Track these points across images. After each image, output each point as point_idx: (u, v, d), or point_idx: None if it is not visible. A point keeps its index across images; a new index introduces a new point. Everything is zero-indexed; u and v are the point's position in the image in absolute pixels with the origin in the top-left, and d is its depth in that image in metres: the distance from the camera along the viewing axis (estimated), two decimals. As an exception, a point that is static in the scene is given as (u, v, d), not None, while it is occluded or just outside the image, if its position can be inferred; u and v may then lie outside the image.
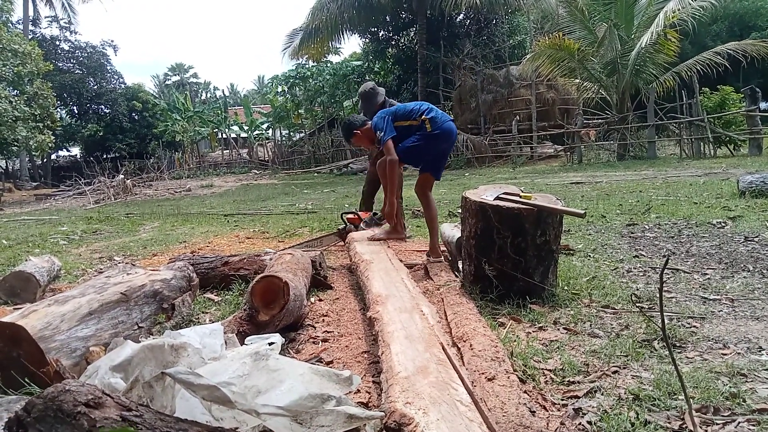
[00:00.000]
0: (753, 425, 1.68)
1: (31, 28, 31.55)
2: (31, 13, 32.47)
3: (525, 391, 1.89)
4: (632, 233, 5.05)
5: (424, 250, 4.69)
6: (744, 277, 3.38)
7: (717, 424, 1.71)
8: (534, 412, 1.72)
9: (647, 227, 5.27)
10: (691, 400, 1.80)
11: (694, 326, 2.57)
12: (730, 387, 1.91)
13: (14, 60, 18.48)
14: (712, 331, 2.49)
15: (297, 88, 29.58)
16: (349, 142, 4.49)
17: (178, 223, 8.61)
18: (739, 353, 2.24)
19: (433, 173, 4.18)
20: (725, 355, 2.23)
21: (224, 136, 35.42)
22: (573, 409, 1.84)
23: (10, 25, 25.62)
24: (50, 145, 20.59)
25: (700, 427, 1.68)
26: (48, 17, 33.59)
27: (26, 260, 4.24)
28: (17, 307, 3.03)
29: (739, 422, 1.70)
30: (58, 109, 28.07)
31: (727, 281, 3.31)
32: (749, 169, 9.61)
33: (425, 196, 4.21)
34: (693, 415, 1.58)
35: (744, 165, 11.12)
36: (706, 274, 3.51)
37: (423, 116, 3.98)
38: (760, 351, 2.25)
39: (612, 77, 16.67)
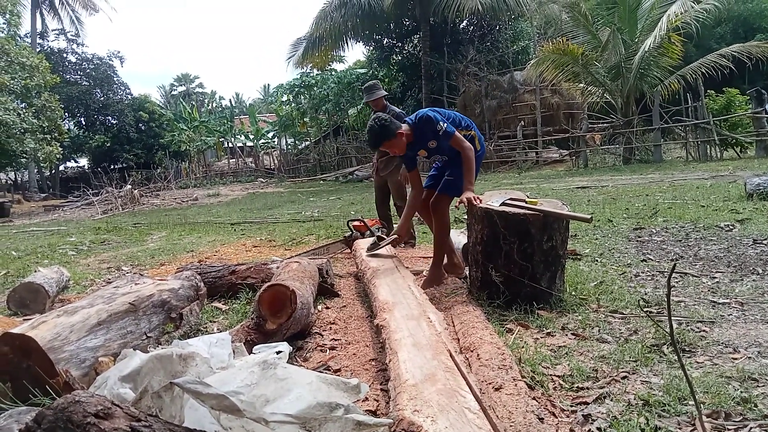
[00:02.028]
0: (765, 430, 1.67)
1: (39, 41, 31.92)
2: (39, 26, 32.88)
3: (533, 398, 1.89)
4: (639, 237, 5.03)
5: (430, 257, 4.69)
6: (753, 280, 3.35)
7: (728, 429, 1.69)
8: (542, 419, 1.71)
9: (654, 231, 5.24)
10: (702, 405, 1.79)
11: (704, 330, 2.55)
12: (741, 392, 1.89)
13: (22, 73, 18.71)
14: (721, 336, 2.47)
15: (302, 97, 29.75)
16: (378, 146, 3.57)
17: (186, 232, 8.65)
18: (749, 357, 2.22)
19: (456, 193, 3.65)
20: (736, 359, 2.21)
21: (230, 145, 35.62)
22: (582, 415, 1.83)
23: (18, 38, 25.93)
24: (58, 156, 20.80)
25: (711, 433, 1.67)
26: (55, 30, 34.02)
27: (35, 271, 4.28)
28: (27, 318, 3.06)
29: (750, 428, 1.69)
30: (66, 121, 28.43)
31: (736, 284, 3.28)
32: (756, 171, 9.55)
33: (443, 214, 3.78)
34: (703, 420, 1.57)
35: (751, 167, 11.05)
36: (715, 277, 3.49)
37: (470, 131, 3.71)
38: (770, 355, 2.23)
39: (616, 81, 16.65)
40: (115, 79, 33.69)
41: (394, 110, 5.54)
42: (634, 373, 2.13)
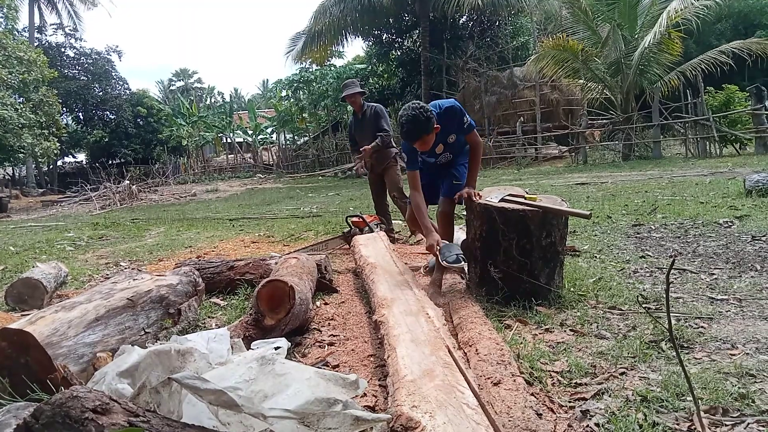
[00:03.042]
0: (762, 426, 1.67)
1: (36, 35, 31.78)
2: (36, 20, 32.75)
3: (532, 394, 1.89)
4: (638, 234, 5.03)
5: (428, 253, 4.68)
6: (752, 276, 3.36)
7: (726, 425, 1.70)
8: (541, 414, 1.71)
9: (653, 227, 5.25)
10: (700, 401, 1.79)
11: (702, 327, 2.55)
12: (739, 388, 1.89)
13: (20, 67, 18.63)
14: (720, 332, 2.47)
15: (301, 92, 29.68)
16: (417, 139, 3.08)
17: (184, 228, 8.64)
18: (747, 353, 2.22)
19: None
20: (734, 355, 2.21)
21: (229, 140, 35.57)
22: (580, 411, 1.83)
23: (16, 32, 25.82)
24: (56, 151, 20.78)
25: (709, 429, 1.67)
26: (53, 25, 33.90)
27: (33, 267, 4.27)
28: (25, 314, 3.05)
29: (748, 423, 1.69)
30: (64, 116, 28.40)
31: (734, 281, 3.28)
32: (756, 168, 9.56)
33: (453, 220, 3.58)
34: (701, 416, 1.57)
35: (750, 164, 11.06)
36: (714, 274, 3.49)
37: None
38: (768, 351, 2.23)
39: (616, 77, 16.63)
40: (113, 74, 33.57)
41: (373, 106, 5.53)
42: (632, 369, 2.14)
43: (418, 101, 3.16)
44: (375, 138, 5.43)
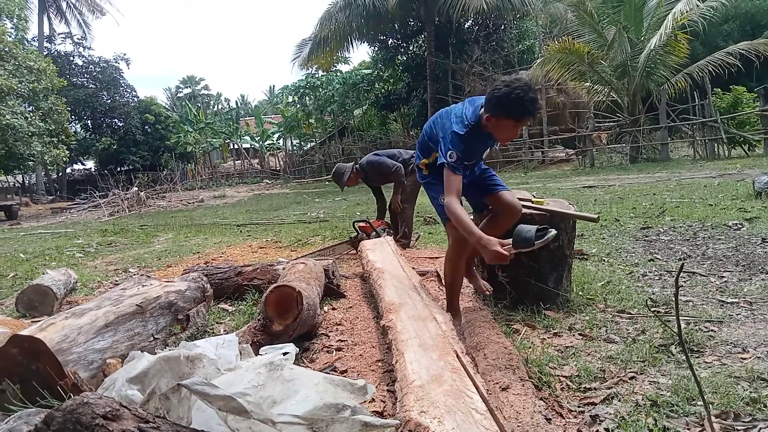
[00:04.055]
0: (775, 431, 1.65)
1: (46, 44, 32.10)
2: (46, 30, 33.08)
3: (541, 399, 1.88)
4: (647, 236, 5.00)
5: (436, 257, 4.68)
6: (762, 279, 3.33)
7: (737, 430, 1.68)
8: (550, 419, 1.71)
9: (662, 230, 5.22)
10: (710, 405, 1.77)
11: (712, 330, 2.54)
12: (750, 392, 1.88)
13: (30, 76, 18.83)
14: (730, 335, 2.45)
15: (307, 98, 29.78)
16: (532, 115, 2.49)
17: (192, 234, 8.68)
18: (758, 357, 2.20)
19: None
20: (744, 359, 2.19)
21: (236, 146, 35.72)
22: (590, 416, 1.82)
23: (26, 42, 26.10)
24: (65, 159, 20.95)
25: (721, 434, 1.65)
26: (62, 34, 34.22)
27: (43, 273, 4.30)
28: (35, 320, 3.08)
29: (760, 428, 1.67)
30: (73, 124, 28.63)
31: (744, 284, 3.26)
32: (765, 169, 9.48)
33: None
34: (712, 421, 1.56)
35: (759, 165, 10.97)
36: (723, 276, 3.47)
37: None
38: (780, 355, 2.21)
39: (622, 80, 16.57)
40: (121, 81, 33.79)
41: (366, 164, 5.59)
42: (641, 374, 2.12)
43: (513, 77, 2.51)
44: (387, 178, 5.62)
